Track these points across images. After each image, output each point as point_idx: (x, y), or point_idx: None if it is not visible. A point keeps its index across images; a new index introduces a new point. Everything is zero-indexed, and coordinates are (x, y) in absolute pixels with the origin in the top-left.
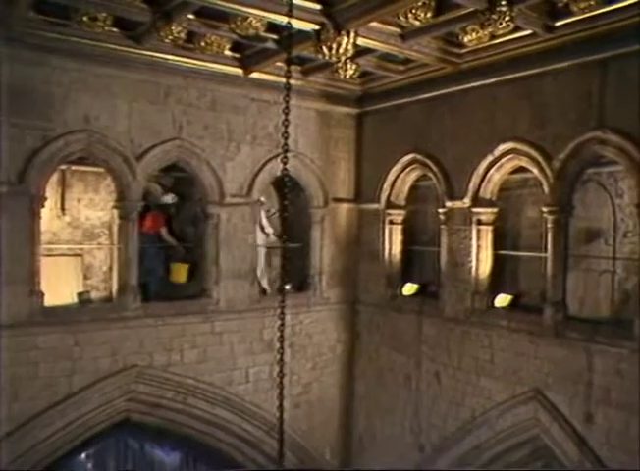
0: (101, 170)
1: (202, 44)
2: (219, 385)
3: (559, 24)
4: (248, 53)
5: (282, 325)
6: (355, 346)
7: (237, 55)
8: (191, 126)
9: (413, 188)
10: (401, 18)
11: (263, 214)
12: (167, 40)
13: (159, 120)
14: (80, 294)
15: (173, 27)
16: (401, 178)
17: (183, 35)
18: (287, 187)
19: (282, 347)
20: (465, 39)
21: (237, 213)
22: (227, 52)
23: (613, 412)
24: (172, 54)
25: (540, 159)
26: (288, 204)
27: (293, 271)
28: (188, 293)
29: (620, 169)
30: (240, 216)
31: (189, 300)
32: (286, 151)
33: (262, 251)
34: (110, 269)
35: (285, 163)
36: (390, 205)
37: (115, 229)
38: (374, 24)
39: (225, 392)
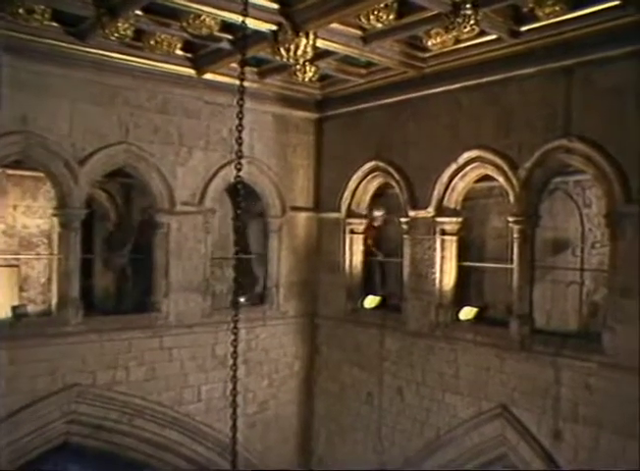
0: (40, 175)
1: (152, 43)
2: (168, 404)
3: (524, 29)
4: (201, 53)
5: (235, 340)
6: (314, 362)
7: (189, 55)
8: (140, 129)
9: (375, 197)
10: (363, 20)
11: None
12: (113, 38)
13: (104, 122)
14: (14, 308)
15: (119, 24)
16: (363, 186)
17: (130, 33)
18: (240, 196)
19: (235, 364)
20: (429, 43)
21: (188, 222)
22: (178, 51)
23: (582, 428)
24: (119, 52)
25: (505, 167)
26: (241, 213)
27: (249, 282)
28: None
29: (588, 178)
30: (192, 225)
31: (137, 314)
32: (240, 157)
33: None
34: (49, 281)
35: (239, 169)
36: (351, 214)
37: (55, 238)
38: (334, 25)
39: (174, 411)
